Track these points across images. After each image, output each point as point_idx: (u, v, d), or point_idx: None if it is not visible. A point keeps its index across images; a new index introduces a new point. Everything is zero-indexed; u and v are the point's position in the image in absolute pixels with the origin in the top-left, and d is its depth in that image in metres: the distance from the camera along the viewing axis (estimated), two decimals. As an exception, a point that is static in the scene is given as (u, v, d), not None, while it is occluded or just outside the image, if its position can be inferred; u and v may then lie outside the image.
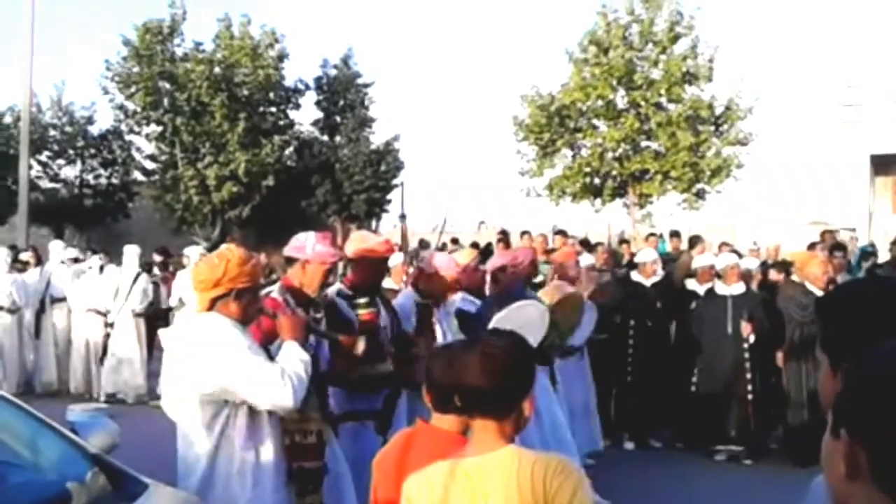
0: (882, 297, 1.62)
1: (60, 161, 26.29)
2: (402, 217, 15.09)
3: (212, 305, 3.12)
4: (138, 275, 10.33)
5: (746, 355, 7.39)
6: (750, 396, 7.37)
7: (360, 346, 3.69)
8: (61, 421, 3.58)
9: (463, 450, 2.17)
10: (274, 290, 3.79)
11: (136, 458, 3.19)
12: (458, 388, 2.17)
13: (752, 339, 7.32)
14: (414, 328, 4.60)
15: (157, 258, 14.81)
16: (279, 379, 3.00)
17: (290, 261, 3.86)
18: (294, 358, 3.13)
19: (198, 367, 3.04)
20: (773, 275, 8.54)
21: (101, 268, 10.60)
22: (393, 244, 4.78)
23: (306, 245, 3.81)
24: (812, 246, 9.39)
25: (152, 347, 11.61)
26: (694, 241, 9.98)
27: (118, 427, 3.28)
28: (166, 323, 9.67)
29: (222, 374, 3.00)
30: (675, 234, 11.95)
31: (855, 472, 1.04)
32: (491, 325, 4.42)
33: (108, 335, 10.03)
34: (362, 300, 4.10)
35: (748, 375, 7.39)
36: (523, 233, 12.85)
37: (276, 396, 3.01)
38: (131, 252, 10.55)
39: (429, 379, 2.30)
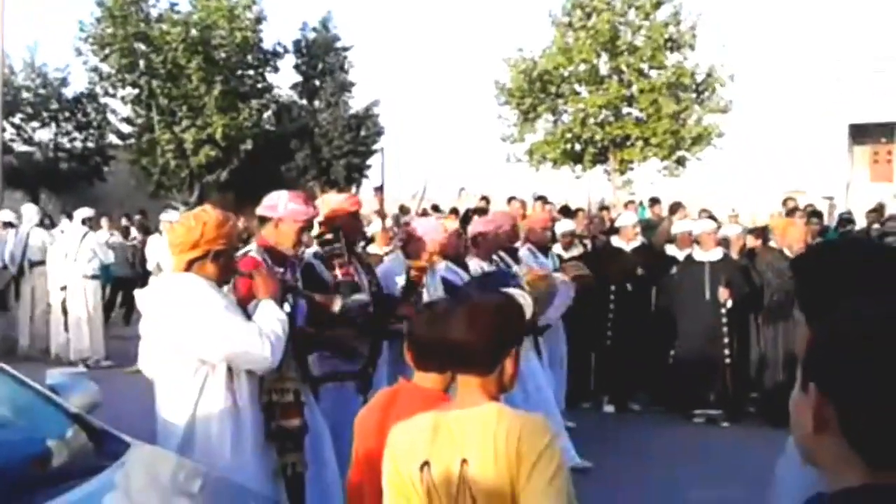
0: (853, 255, 1.65)
1: (34, 124, 25.87)
2: (378, 189, 15.04)
3: (188, 267, 3.10)
4: (84, 235, 10.08)
5: (724, 321, 7.48)
6: (727, 361, 7.47)
7: (337, 304, 3.69)
8: (41, 384, 3.55)
9: (447, 404, 2.19)
10: (251, 250, 3.77)
11: (117, 419, 3.18)
12: (444, 344, 2.17)
13: (729, 304, 7.40)
14: (400, 291, 4.60)
15: (137, 221, 14.70)
16: (257, 338, 3.00)
17: (263, 220, 3.84)
18: (271, 316, 3.13)
19: (174, 327, 3.03)
20: (751, 241, 8.62)
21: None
22: (359, 199, 4.77)
23: (279, 204, 3.80)
24: (791, 213, 9.47)
25: (131, 311, 11.55)
26: (674, 207, 10.03)
27: (98, 387, 3.26)
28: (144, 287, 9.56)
29: (199, 334, 2.99)
30: (655, 201, 11.99)
31: (823, 426, 1.06)
32: None
33: (64, 299, 9.90)
34: (328, 236, 4.11)
35: (725, 340, 7.48)
36: (510, 198, 12.80)
37: (254, 355, 3.02)
38: (79, 214, 10.37)
39: (411, 336, 2.30)
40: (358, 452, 2.47)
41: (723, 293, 7.37)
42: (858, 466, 1.05)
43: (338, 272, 4.10)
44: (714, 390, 7.49)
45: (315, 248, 4.40)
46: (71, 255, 9.90)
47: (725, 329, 7.47)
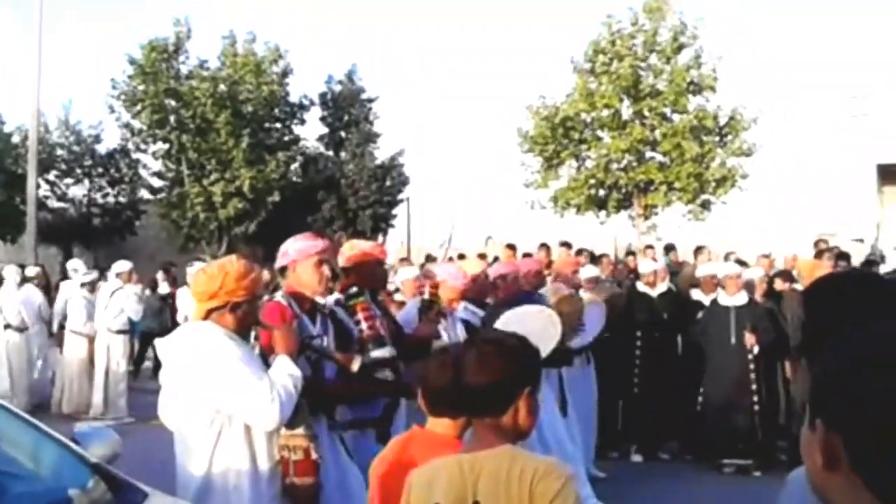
0: (856, 287, 1.63)
1: (68, 180, 26.47)
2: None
3: (207, 315, 3.12)
4: (115, 290, 10.18)
5: (751, 366, 7.35)
6: (756, 407, 7.33)
7: (356, 364, 3.67)
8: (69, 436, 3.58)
9: (463, 448, 2.18)
10: (278, 296, 3.77)
11: (138, 470, 3.19)
12: (457, 388, 2.18)
13: (755, 349, 7.28)
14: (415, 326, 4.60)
15: (163, 274, 14.86)
16: (266, 393, 2.97)
17: (284, 270, 3.86)
18: (283, 373, 3.10)
19: (189, 377, 3.03)
20: (779, 284, 8.52)
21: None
22: (384, 248, 4.81)
23: (288, 248, 3.83)
24: (818, 255, 9.37)
25: (160, 364, 11.55)
26: (698, 250, 9.97)
27: (119, 438, 3.29)
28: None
29: (210, 385, 2.99)
30: (670, 248, 11.92)
31: (833, 462, 1.03)
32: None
33: (92, 352, 9.99)
34: (353, 290, 4.06)
35: (753, 386, 7.34)
36: (541, 245, 12.68)
37: (261, 412, 2.99)
38: (116, 268, 10.47)
39: (424, 381, 2.30)
40: (373, 500, 2.46)
41: (749, 338, 7.27)
42: None
43: (363, 323, 4.03)
44: (743, 438, 7.34)
45: (337, 295, 4.40)
46: (100, 309, 10.02)
47: (753, 375, 7.34)
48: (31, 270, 11.21)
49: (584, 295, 6.18)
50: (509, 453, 2.06)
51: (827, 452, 1.04)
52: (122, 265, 10.51)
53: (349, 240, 20.47)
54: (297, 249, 3.79)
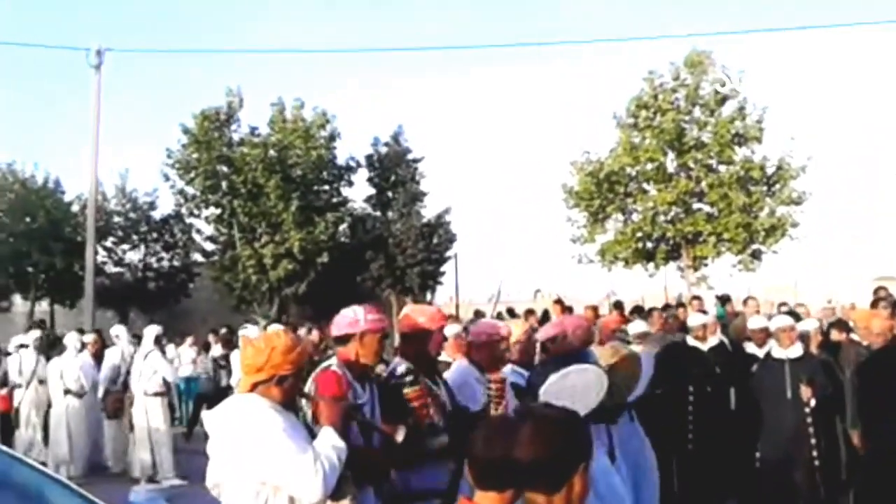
0: None
1: (125, 246, 27.25)
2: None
3: (253, 388, 3.17)
4: (148, 353, 10.29)
5: (809, 420, 7.15)
6: (816, 463, 7.10)
7: (400, 435, 3.65)
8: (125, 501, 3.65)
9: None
10: (332, 364, 3.79)
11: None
12: (506, 461, 2.14)
13: (812, 402, 7.10)
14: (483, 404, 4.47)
15: (213, 337, 15.08)
16: (311, 466, 3.00)
17: (340, 340, 3.86)
18: (328, 444, 3.13)
19: (234, 448, 3.07)
20: (835, 335, 8.33)
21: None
22: (444, 314, 4.75)
23: (359, 318, 3.83)
24: (875, 303, 9.15)
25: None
26: (746, 301, 9.82)
27: (170, 505, 3.33)
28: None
29: (256, 457, 3.02)
30: (726, 299, 11.71)
31: None
32: (542, 392, 4.36)
33: (131, 416, 10.12)
34: (408, 378, 4.03)
35: (812, 441, 7.12)
36: (588, 307, 12.61)
37: (305, 484, 3.01)
38: (149, 331, 10.65)
39: (471, 453, 2.28)
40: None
41: (805, 392, 7.09)
42: None
43: (407, 390, 3.99)
44: (804, 496, 7.11)
45: (397, 362, 4.31)
46: (135, 373, 10.20)
47: (812, 429, 7.13)
48: (88, 337, 11.46)
49: (635, 349, 6.07)
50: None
51: None
52: (155, 329, 10.71)
53: (398, 298, 20.51)
54: (369, 321, 3.82)
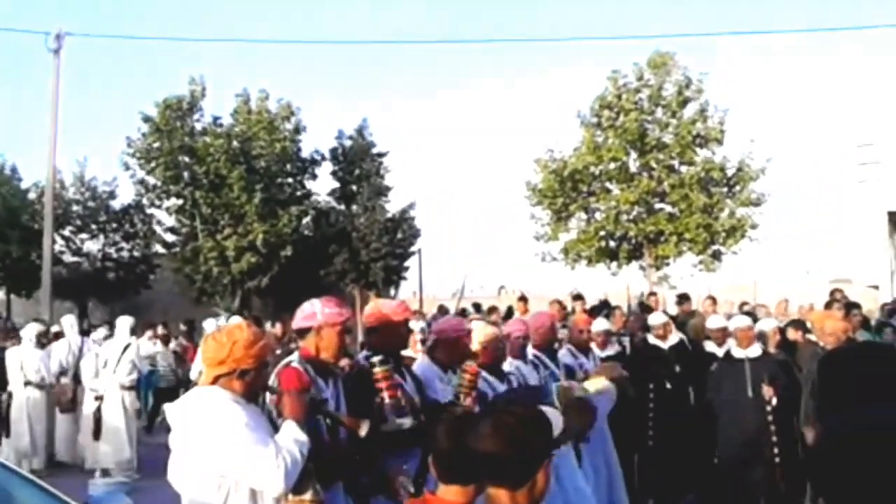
0: (871, 360, 1.70)
1: (83, 235, 26.80)
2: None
3: (215, 381, 3.17)
4: (127, 346, 10.18)
5: (770, 419, 7.28)
6: (777, 460, 7.24)
7: (364, 429, 3.67)
8: (83, 495, 3.62)
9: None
10: (294, 360, 3.77)
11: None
12: (469, 455, 2.17)
13: (774, 402, 7.24)
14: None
15: (183, 328, 14.95)
16: (272, 459, 3.00)
17: (301, 333, 3.84)
18: (290, 438, 3.13)
19: (196, 442, 3.06)
20: (791, 334, 8.51)
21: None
22: (408, 307, 4.75)
23: (315, 311, 3.81)
24: (829, 304, 9.37)
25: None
26: (681, 299, 10.06)
27: (131, 501, 3.32)
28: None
29: (217, 450, 3.01)
30: (684, 298, 11.89)
31: None
32: None
33: (98, 408, 9.98)
34: (376, 358, 3.98)
35: (773, 439, 7.26)
36: (553, 302, 12.71)
37: (267, 477, 3.01)
38: (123, 323, 10.51)
39: (435, 447, 2.31)
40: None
41: (766, 391, 7.22)
42: None
43: (384, 392, 3.92)
44: (766, 493, 7.24)
45: (364, 353, 4.31)
46: (111, 364, 10.02)
47: (773, 428, 7.26)
48: (35, 327, 11.17)
49: (591, 384, 6.01)
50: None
51: None
52: (129, 320, 10.55)
53: (362, 292, 20.45)
54: (326, 314, 3.79)
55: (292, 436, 3.15)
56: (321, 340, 3.77)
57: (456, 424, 2.37)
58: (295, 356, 3.82)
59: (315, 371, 3.73)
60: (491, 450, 2.11)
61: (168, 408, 3.26)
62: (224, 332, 3.29)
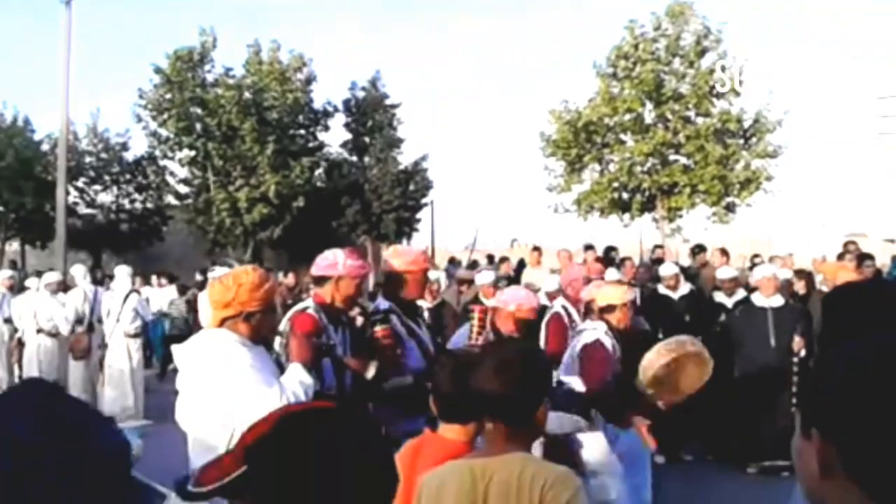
0: (872, 298, 1.64)
1: (97, 187, 26.88)
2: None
3: (221, 323, 3.19)
4: (128, 295, 10.26)
5: (794, 368, 7.25)
6: (794, 409, 7.22)
7: (371, 371, 3.69)
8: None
9: (475, 452, 2.21)
10: (309, 307, 3.82)
11: (159, 472, 3.24)
12: (470, 394, 2.19)
13: (802, 353, 7.21)
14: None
15: (199, 278, 15.12)
16: (276, 400, 3.00)
17: (319, 280, 3.89)
18: (294, 380, 3.16)
19: (202, 382, 3.09)
20: (795, 284, 8.47)
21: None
22: (427, 257, 4.72)
23: (338, 262, 3.87)
24: (841, 256, 9.30)
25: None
26: (696, 250, 10.00)
27: (141, 442, 3.33)
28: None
29: (222, 390, 3.04)
30: (701, 249, 11.83)
31: (828, 470, 1.05)
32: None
33: (102, 356, 10.08)
34: (378, 317, 4.03)
35: (793, 389, 7.24)
36: (560, 251, 12.60)
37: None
38: (122, 272, 10.57)
39: (435, 387, 2.33)
40: None
41: (797, 343, 7.18)
42: None
43: (378, 328, 3.94)
44: (784, 439, 7.23)
45: (385, 302, 4.24)
46: (114, 313, 10.13)
47: (795, 378, 7.23)
48: (51, 276, 11.28)
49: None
50: (521, 460, 2.08)
51: (823, 460, 1.06)
52: (126, 269, 10.62)
53: (373, 244, 20.45)
54: (348, 266, 3.85)
55: (297, 377, 3.19)
56: (338, 290, 3.84)
57: (456, 364, 2.38)
58: (309, 302, 3.88)
59: (328, 318, 3.79)
60: (491, 388, 2.13)
61: (175, 349, 3.29)
62: (230, 275, 3.31)
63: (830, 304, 1.81)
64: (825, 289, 7.62)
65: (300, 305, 3.89)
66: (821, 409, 1.09)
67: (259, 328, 3.23)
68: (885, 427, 1.01)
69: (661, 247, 12.95)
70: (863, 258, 8.61)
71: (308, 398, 3.14)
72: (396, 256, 4.33)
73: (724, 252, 10.03)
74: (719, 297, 8.27)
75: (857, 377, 1.06)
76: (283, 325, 3.77)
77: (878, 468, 1.02)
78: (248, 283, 3.18)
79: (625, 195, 21.35)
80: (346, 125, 26.37)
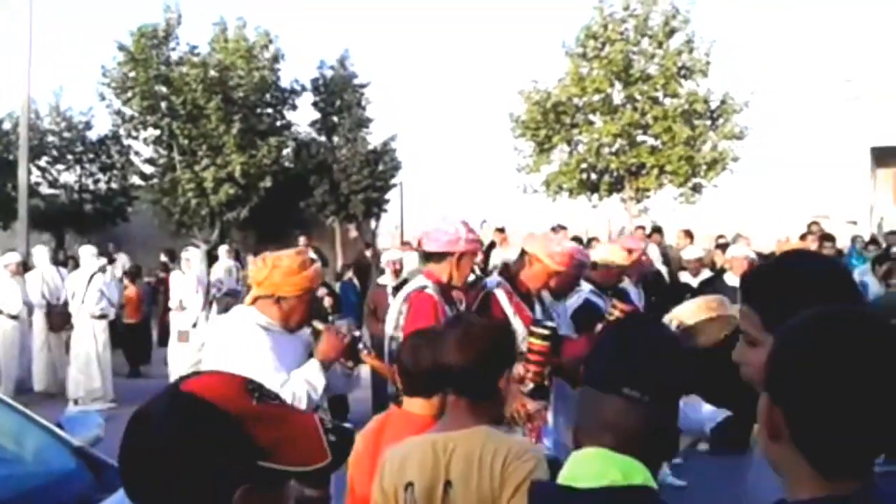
0: (803, 269, 1.69)
1: (59, 166, 26.36)
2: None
3: (255, 301, 3.17)
4: (93, 276, 10.13)
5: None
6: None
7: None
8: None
9: (437, 426, 2.21)
10: (428, 286, 3.46)
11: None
12: (435, 366, 2.20)
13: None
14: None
15: (164, 259, 14.97)
16: (275, 390, 2.98)
17: (434, 256, 3.51)
18: (302, 377, 3.06)
19: (217, 358, 3.09)
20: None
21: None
22: (576, 258, 4.42)
23: (460, 237, 3.49)
24: (804, 237, 9.44)
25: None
26: (652, 232, 10.07)
27: (103, 422, 3.32)
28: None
29: (230, 368, 3.01)
30: (656, 230, 11.95)
31: (776, 433, 1.12)
32: None
33: (69, 338, 9.95)
34: (542, 330, 3.51)
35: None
36: (558, 227, 12.62)
37: None
38: (86, 252, 10.43)
39: (398, 362, 2.34)
40: (351, 479, 2.50)
41: None
42: (811, 474, 1.09)
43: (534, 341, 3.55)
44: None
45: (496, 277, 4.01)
46: (79, 295, 9.99)
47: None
48: (10, 257, 11.07)
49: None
50: (483, 434, 2.09)
51: (770, 424, 1.12)
52: (91, 249, 10.50)
53: (342, 224, 20.30)
54: (470, 241, 3.53)
55: (307, 375, 3.07)
56: (458, 269, 3.47)
57: (420, 341, 2.40)
58: (428, 282, 3.52)
59: (444, 299, 3.48)
60: (453, 361, 2.14)
61: (212, 320, 3.34)
62: (271, 256, 3.22)
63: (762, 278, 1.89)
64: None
65: (417, 283, 3.52)
66: (769, 375, 1.13)
67: (290, 314, 3.14)
68: (824, 396, 1.06)
69: (642, 227, 12.97)
70: (824, 239, 8.75)
71: (310, 399, 3.05)
72: (551, 256, 3.97)
73: (688, 233, 10.14)
74: (685, 276, 8.37)
75: (799, 347, 1.11)
76: (400, 303, 3.45)
77: (816, 434, 1.07)
78: (284, 267, 3.12)
79: (593, 176, 21.46)
80: (315, 104, 26.11)
